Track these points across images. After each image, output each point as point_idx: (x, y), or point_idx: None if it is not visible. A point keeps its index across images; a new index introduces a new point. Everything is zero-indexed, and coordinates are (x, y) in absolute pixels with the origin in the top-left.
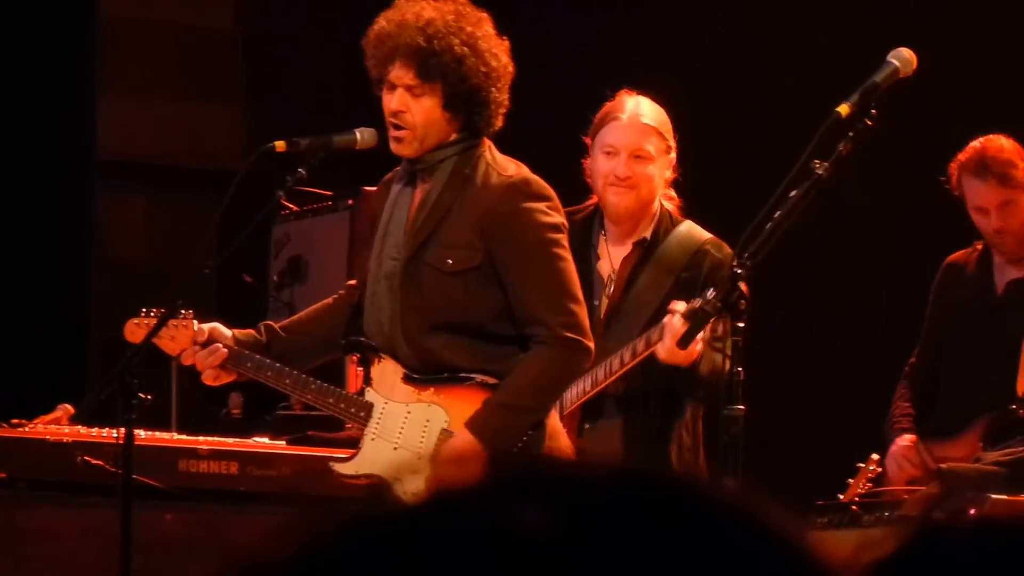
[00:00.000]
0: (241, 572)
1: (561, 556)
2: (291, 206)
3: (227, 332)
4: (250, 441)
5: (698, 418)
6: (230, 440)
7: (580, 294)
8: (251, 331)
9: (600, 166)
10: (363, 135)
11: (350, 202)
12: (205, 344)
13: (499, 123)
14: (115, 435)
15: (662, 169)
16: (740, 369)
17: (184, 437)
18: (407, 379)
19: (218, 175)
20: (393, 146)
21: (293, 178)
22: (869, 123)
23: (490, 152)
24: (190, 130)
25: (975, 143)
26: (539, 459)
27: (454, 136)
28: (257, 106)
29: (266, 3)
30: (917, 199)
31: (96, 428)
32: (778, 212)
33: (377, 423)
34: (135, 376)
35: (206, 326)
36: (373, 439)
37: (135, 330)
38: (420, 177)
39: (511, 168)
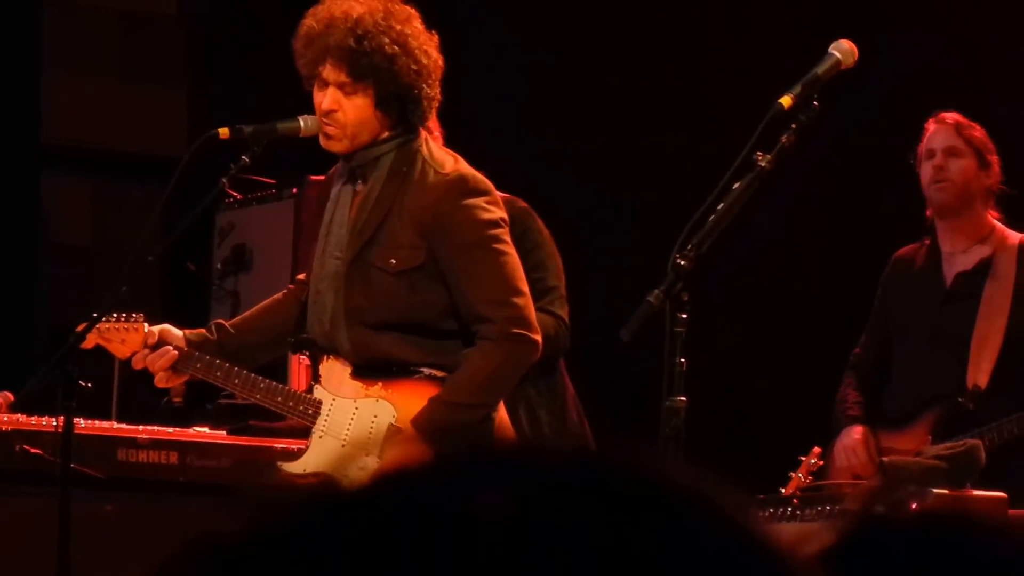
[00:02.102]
0: (195, 550)
1: (519, 538)
2: (235, 194)
3: (177, 333)
4: (190, 431)
5: (549, 391)
6: (170, 429)
7: (525, 287)
8: (202, 330)
9: None
10: (307, 122)
11: (294, 190)
12: (156, 346)
13: (432, 117)
14: (54, 424)
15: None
16: (683, 360)
17: (123, 426)
18: (355, 375)
19: (162, 162)
20: (323, 141)
21: (237, 166)
22: (811, 115)
23: (427, 146)
24: (134, 116)
25: None
26: (495, 443)
27: (387, 133)
28: (201, 93)
29: None
30: (865, 190)
31: (36, 416)
32: (721, 204)
33: (325, 420)
34: (76, 364)
35: (156, 328)
36: (321, 436)
37: (88, 335)
38: (359, 175)
39: (448, 164)
